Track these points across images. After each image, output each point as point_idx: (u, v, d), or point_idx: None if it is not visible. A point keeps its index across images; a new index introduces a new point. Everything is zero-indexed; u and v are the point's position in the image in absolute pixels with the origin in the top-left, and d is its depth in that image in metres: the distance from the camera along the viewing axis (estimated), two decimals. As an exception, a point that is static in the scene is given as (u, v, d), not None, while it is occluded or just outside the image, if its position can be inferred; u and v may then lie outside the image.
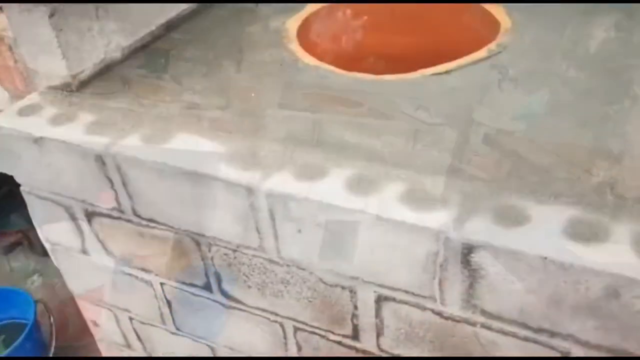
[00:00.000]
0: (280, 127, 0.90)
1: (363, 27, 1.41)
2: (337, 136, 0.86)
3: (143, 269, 1.06)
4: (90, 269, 1.14)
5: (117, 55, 1.11)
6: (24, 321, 1.86)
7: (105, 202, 0.97)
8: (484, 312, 0.74)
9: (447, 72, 1.00)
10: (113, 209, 0.98)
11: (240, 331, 1.03)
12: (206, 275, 0.98)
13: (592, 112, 0.85)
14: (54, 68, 1.03)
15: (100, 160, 0.91)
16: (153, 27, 1.18)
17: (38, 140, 0.95)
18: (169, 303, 1.09)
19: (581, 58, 0.99)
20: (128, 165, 0.89)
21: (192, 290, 1.03)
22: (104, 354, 1.37)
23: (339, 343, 0.92)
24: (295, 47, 1.14)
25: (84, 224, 1.05)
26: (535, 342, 0.72)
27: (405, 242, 0.73)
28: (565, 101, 0.89)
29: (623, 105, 0.86)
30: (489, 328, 0.75)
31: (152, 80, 1.05)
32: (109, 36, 1.08)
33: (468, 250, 0.69)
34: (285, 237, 0.82)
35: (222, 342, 1.09)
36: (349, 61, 1.41)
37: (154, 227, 0.96)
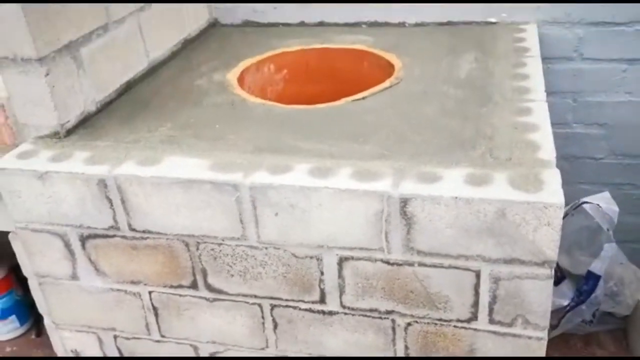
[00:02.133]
0: (246, 144, 1.16)
1: (284, 79, 1.72)
2: (293, 145, 1.14)
3: (132, 282, 1.24)
4: (79, 294, 1.29)
5: (93, 108, 1.33)
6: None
7: (102, 222, 1.17)
8: (419, 252, 1.02)
9: (363, 98, 1.32)
10: (109, 227, 1.17)
11: (221, 322, 1.24)
12: (193, 273, 1.19)
13: (470, 112, 1.20)
14: (45, 120, 1.23)
15: (102, 183, 1.12)
16: (117, 85, 1.42)
17: (43, 175, 1.14)
18: (155, 310, 1.27)
19: (456, 81, 1.35)
20: (129, 183, 1.11)
21: (179, 291, 1.22)
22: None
23: (309, 310, 1.16)
24: (240, 92, 1.43)
25: (77, 249, 1.23)
26: (456, 267, 1.02)
27: (358, 206, 1.00)
28: (451, 108, 1.23)
29: (489, 107, 1.21)
30: (423, 265, 1.03)
31: (127, 125, 1.28)
32: (87, 92, 1.31)
33: (404, 203, 0.98)
34: (264, 222, 1.07)
35: (204, 339, 1.28)
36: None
37: (147, 238, 1.17)
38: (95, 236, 1.20)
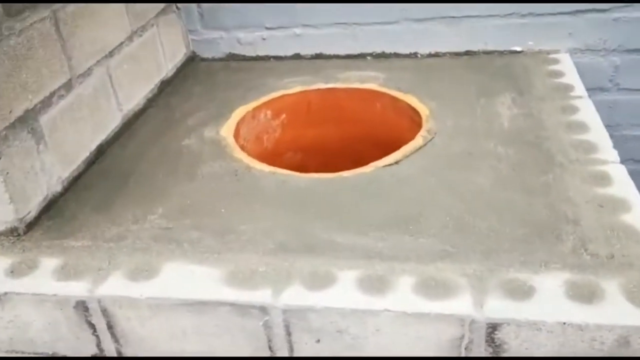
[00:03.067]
0: (265, 239, 0.91)
1: (281, 124, 1.47)
2: (327, 239, 0.90)
3: (124, 413, 0.98)
4: None
5: (59, 188, 1.06)
6: None
7: (82, 350, 0.90)
8: (506, 381, 0.80)
9: (396, 162, 1.09)
10: (92, 357, 0.91)
11: None
12: (205, 404, 0.93)
13: (534, 182, 0.98)
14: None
15: (81, 306, 0.85)
16: (87, 153, 1.14)
17: (1, 297, 0.86)
18: None
19: (501, 135, 1.13)
20: (117, 306, 0.84)
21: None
22: None
23: None
24: (240, 155, 1.17)
25: (50, 378, 0.95)
26: (554, 398, 0.80)
27: (429, 331, 0.77)
28: (509, 175, 1.01)
29: (555, 174, 1.00)
30: (510, 395, 0.81)
31: (105, 213, 1.01)
32: (50, 170, 1.03)
33: (492, 328, 0.75)
34: (301, 349, 0.83)
35: None
36: (270, 157, 1.47)
37: (143, 366, 0.90)
38: (74, 365, 0.93)
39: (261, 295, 0.80)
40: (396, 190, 1.00)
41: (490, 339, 0.76)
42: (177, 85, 1.49)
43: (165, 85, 1.47)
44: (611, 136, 1.52)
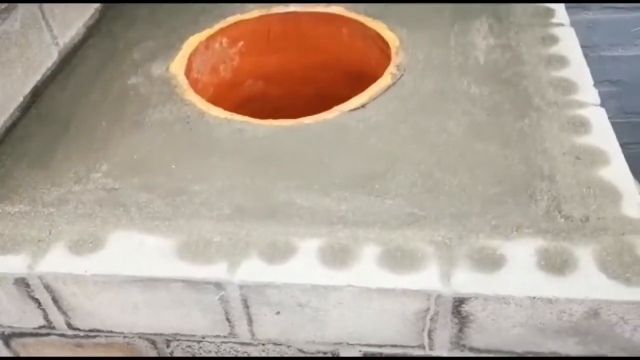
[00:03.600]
0: (220, 202, 0.84)
1: (239, 52, 1.36)
2: (286, 200, 0.83)
3: (82, 376, 0.95)
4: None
5: (-10, 142, 0.96)
6: None
7: (29, 322, 0.85)
8: (472, 349, 0.78)
9: (362, 106, 1.00)
10: (40, 327, 0.86)
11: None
12: (165, 368, 0.90)
13: (510, 130, 0.92)
14: None
15: (22, 282, 0.79)
16: (20, 98, 1.03)
17: None
18: (117, 401, 0.99)
19: (476, 71, 1.05)
20: (60, 282, 0.78)
21: (148, 384, 0.94)
22: None
23: (321, 399, 0.92)
24: (193, 97, 1.07)
25: (0, 347, 0.91)
26: (520, 363, 0.78)
27: (393, 305, 0.73)
28: (482, 122, 0.94)
29: (532, 119, 0.93)
30: (476, 360, 0.79)
31: (43, 170, 0.92)
32: (-23, 124, 0.92)
33: (459, 302, 0.71)
34: (261, 321, 0.79)
35: None
36: (228, 88, 1.37)
37: (95, 337, 0.86)
38: (22, 335, 0.88)
39: (216, 270, 0.75)
40: (362, 141, 0.93)
41: (457, 312, 0.73)
42: (118, 9, 1.34)
43: (107, 10, 1.32)
44: (587, 57, 1.44)
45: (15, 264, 0.78)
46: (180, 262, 0.76)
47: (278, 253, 0.76)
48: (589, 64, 1.43)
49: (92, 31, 1.25)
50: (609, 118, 1.56)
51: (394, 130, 0.94)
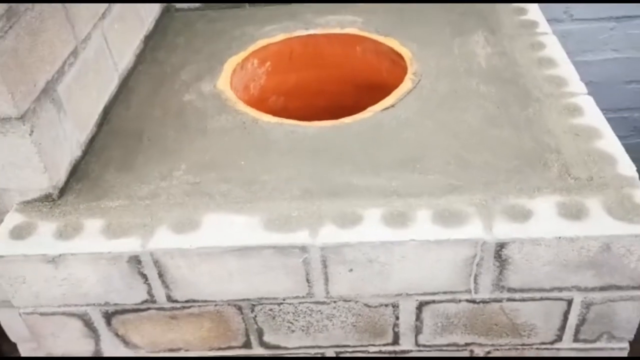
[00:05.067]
0: (290, 187, 1.01)
1: (267, 72, 1.54)
2: (345, 182, 1.01)
3: (170, 349, 1.09)
4: (102, 368, 1.13)
5: (79, 152, 1.11)
6: None
7: (133, 298, 1.00)
8: (509, 289, 0.96)
9: (392, 105, 1.19)
10: (143, 302, 1.00)
11: (278, 374, 1.13)
12: (246, 334, 1.05)
13: (518, 117, 1.12)
14: (32, 182, 1.00)
15: (134, 260, 0.94)
16: (96, 117, 1.19)
17: (56, 259, 0.94)
18: (198, 373, 1.14)
19: (481, 74, 1.25)
20: (169, 257, 0.93)
21: (229, 352, 1.09)
22: None
23: (379, 352, 1.08)
24: (243, 107, 1.24)
25: (101, 326, 1.05)
26: (548, 299, 0.97)
27: (447, 254, 0.91)
28: (494, 113, 1.14)
29: (535, 108, 1.13)
30: (512, 300, 0.97)
31: (129, 172, 1.08)
32: (70, 136, 1.08)
33: (500, 247, 0.90)
34: (336, 279, 0.95)
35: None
36: (256, 103, 1.56)
37: (190, 307, 1.01)
38: (124, 312, 1.03)
39: (300, 237, 0.92)
40: (397, 134, 1.11)
41: (498, 255, 0.91)
42: (159, 39, 1.52)
43: (149, 40, 1.50)
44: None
45: (128, 244, 0.94)
46: (268, 232, 0.93)
47: (348, 220, 0.93)
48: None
49: (140, 59, 1.42)
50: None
51: (422, 124, 1.13)
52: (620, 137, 1.68)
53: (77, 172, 1.09)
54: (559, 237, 0.88)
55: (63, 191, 1.04)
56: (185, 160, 1.10)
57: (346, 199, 0.97)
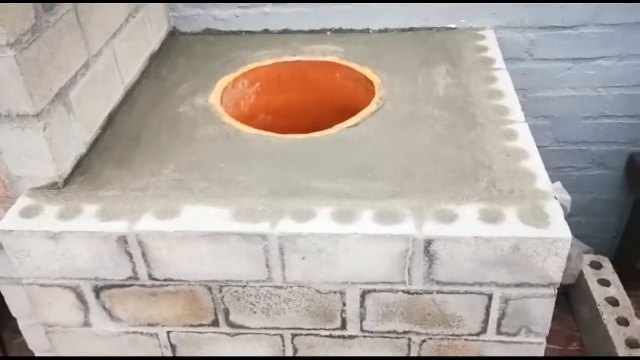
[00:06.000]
0: (260, 187, 1.19)
1: (256, 92, 1.73)
2: (307, 185, 1.19)
3: (149, 325, 1.26)
4: (91, 339, 1.29)
5: (84, 150, 1.30)
6: None
7: (120, 274, 1.17)
8: (438, 282, 1.12)
9: (356, 124, 1.37)
10: (128, 278, 1.18)
11: (243, 351, 1.29)
12: (215, 314, 1.22)
13: (462, 139, 1.29)
14: (42, 172, 1.19)
15: (122, 240, 1.12)
16: (101, 121, 1.38)
17: (57, 235, 1.12)
18: (173, 347, 1.30)
19: (438, 101, 1.44)
20: (151, 239, 1.11)
21: (200, 329, 1.26)
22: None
23: (330, 336, 1.24)
24: (229, 120, 1.43)
25: (91, 299, 1.22)
26: (471, 293, 1.13)
27: (384, 248, 1.08)
28: (443, 134, 1.32)
29: (477, 132, 1.31)
30: (441, 292, 1.14)
31: (126, 169, 1.26)
32: (78, 136, 1.27)
33: (428, 243, 1.07)
34: (291, 266, 1.13)
35: (223, 367, 1.33)
36: (245, 120, 1.74)
37: (168, 285, 1.18)
38: (112, 287, 1.20)
39: (262, 227, 1.09)
40: (357, 148, 1.29)
41: (427, 251, 1.08)
42: (163, 58, 1.72)
43: (154, 59, 1.70)
44: (525, 98, 1.87)
45: (117, 226, 1.11)
46: (236, 222, 1.10)
47: (304, 216, 1.11)
48: (527, 103, 1.85)
49: (144, 74, 1.62)
50: (545, 147, 1.99)
51: (380, 141, 1.31)
52: (578, 169, 1.90)
53: (81, 167, 1.27)
54: (477, 237, 1.05)
55: (68, 181, 1.23)
56: (174, 161, 1.28)
57: (305, 199, 1.15)
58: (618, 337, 1.79)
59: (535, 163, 1.20)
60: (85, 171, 1.26)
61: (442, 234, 1.06)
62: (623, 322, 1.85)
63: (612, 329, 1.80)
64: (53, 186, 1.21)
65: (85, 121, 1.30)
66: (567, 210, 1.80)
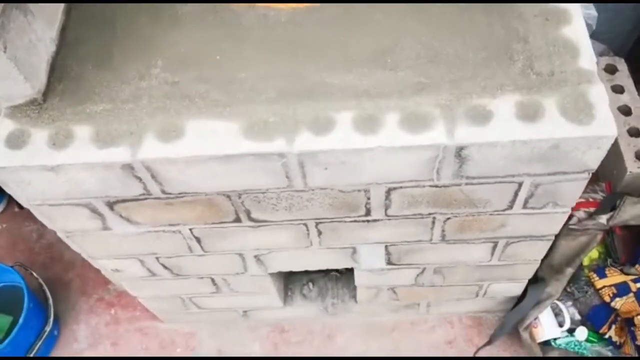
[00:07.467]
0: (266, 87, 1.05)
1: None
2: (318, 81, 1.05)
3: (170, 224, 1.24)
4: (113, 238, 1.28)
5: (53, 48, 1.12)
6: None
7: (131, 192, 1.10)
8: (468, 177, 1.07)
9: None
10: (140, 194, 1.12)
11: (267, 238, 1.29)
12: (236, 213, 1.19)
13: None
14: (17, 90, 1.04)
15: (127, 167, 1.03)
16: (62, 5, 1.16)
17: (54, 168, 1.02)
18: (197, 239, 1.30)
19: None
20: (158, 164, 1.02)
21: (222, 225, 1.24)
22: (128, 288, 1.57)
23: (354, 221, 1.23)
24: (214, -14, 1.20)
25: (105, 211, 1.17)
26: (502, 182, 1.08)
27: (412, 156, 1.00)
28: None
29: None
30: (470, 184, 1.09)
31: (108, 70, 1.10)
32: (42, 36, 1.08)
33: (460, 149, 0.98)
34: (312, 175, 1.06)
35: (249, 248, 1.35)
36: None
37: (183, 197, 1.13)
38: (124, 201, 1.14)
39: (278, 145, 0.99)
40: (370, 19, 1.11)
41: (458, 155, 1.00)
42: None
43: None
44: None
45: (119, 154, 1.01)
46: (248, 141, 1.00)
47: (322, 126, 1.00)
48: None
49: None
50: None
51: (395, 7, 1.12)
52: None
53: (56, 70, 1.11)
54: (514, 141, 0.96)
55: (47, 94, 1.08)
56: (161, 55, 1.11)
57: (320, 101, 1.02)
58: (628, 150, 1.79)
59: (577, 29, 1.05)
60: (62, 76, 1.10)
61: (475, 140, 0.97)
62: (634, 132, 1.84)
63: (623, 143, 1.79)
64: (32, 103, 1.07)
65: (45, 14, 1.09)
66: (593, 27, 1.66)
